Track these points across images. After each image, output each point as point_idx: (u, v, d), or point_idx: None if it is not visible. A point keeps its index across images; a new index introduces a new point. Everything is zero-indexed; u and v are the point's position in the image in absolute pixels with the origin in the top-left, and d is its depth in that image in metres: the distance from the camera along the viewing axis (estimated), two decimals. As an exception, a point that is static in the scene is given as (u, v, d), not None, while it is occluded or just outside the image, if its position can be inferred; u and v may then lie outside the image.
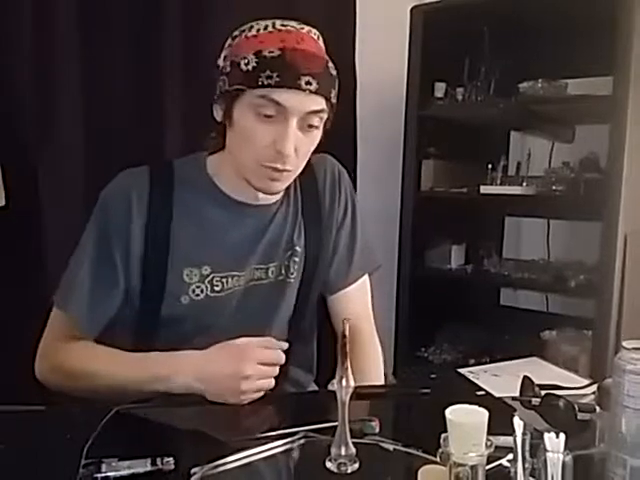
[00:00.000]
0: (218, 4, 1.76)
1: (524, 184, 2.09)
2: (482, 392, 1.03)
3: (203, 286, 1.03)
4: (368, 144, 2.22)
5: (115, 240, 1.00)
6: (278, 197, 1.09)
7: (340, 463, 0.71)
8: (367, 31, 2.14)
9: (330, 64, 0.96)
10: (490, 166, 2.17)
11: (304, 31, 0.95)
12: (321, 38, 0.98)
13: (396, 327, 2.24)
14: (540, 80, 1.97)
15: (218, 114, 1.00)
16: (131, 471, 0.69)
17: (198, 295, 1.03)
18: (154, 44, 1.68)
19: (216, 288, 1.04)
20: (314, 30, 0.97)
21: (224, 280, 1.04)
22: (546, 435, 0.57)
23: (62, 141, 1.58)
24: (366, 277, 1.23)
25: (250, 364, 0.90)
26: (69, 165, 1.59)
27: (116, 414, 0.82)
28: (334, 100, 0.97)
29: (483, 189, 2.11)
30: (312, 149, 1.01)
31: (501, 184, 2.15)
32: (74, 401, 0.97)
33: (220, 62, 0.99)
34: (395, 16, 2.16)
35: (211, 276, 1.03)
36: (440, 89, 2.18)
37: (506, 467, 0.65)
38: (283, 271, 1.10)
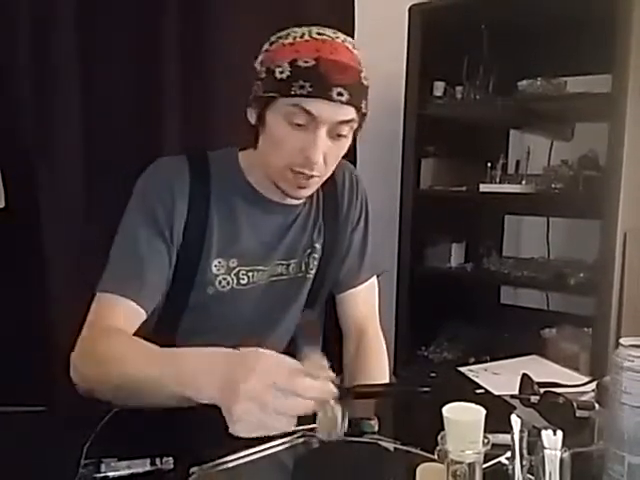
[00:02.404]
0: (219, 4, 1.76)
1: (523, 182, 2.09)
2: (482, 390, 1.03)
3: (229, 278, 1.05)
4: (367, 143, 2.21)
5: (162, 221, 1.00)
6: (303, 199, 1.10)
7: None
8: (365, 30, 2.14)
9: (363, 74, 0.96)
10: (489, 164, 2.17)
11: (339, 40, 0.95)
12: (356, 48, 0.98)
13: (396, 326, 2.24)
14: (539, 78, 1.97)
15: (252, 117, 1.01)
16: (130, 471, 0.69)
17: (224, 287, 1.04)
18: (154, 45, 1.68)
19: (242, 281, 1.06)
20: (349, 39, 0.97)
21: (250, 274, 1.06)
22: (544, 432, 0.57)
23: (61, 142, 1.58)
24: (374, 279, 1.25)
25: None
26: (68, 166, 1.59)
27: (115, 414, 0.83)
28: (365, 110, 0.97)
29: (482, 187, 2.11)
30: (340, 156, 1.02)
31: (500, 182, 2.15)
32: (77, 401, 0.97)
33: (257, 66, 1.00)
34: (393, 15, 2.16)
35: (237, 269, 1.05)
36: (439, 88, 2.18)
37: (504, 464, 0.65)
38: (303, 268, 1.13)
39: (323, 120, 0.93)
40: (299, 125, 0.94)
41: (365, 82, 0.97)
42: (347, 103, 0.92)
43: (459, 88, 2.16)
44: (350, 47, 0.96)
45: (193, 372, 0.74)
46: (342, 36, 0.97)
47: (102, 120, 1.64)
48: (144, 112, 1.69)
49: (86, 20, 1.58)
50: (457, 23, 1.97)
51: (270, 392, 0.67)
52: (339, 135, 0.96)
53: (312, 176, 0.98)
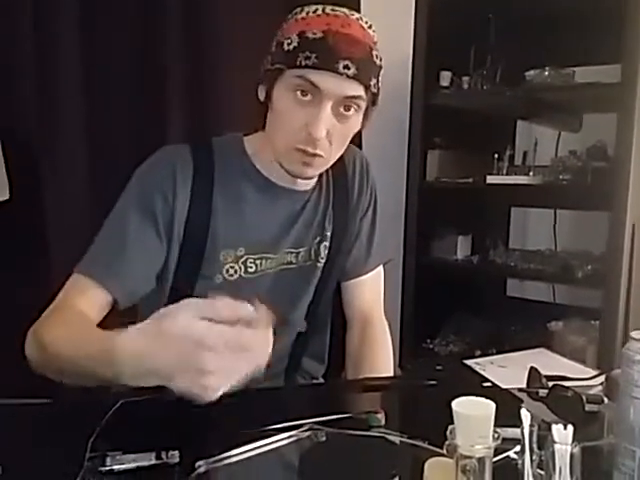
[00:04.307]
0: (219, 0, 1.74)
1: (531, 174, 2.07)
2: (488, 383, 1.02)
3: (237, 266, 1.03)
4: (373, 134, 2.20)
5: (159, 214, 0.97)
6: (312, 184, 1.09)
7: None
8: (372, 19, 2.11)
9: (375, 52, 0.94)
10: (496, 156, 2.15)
11: (353, 17, 0.94)
12: (372, 28, 0.96)
13: (402, 318, 2.24)
14: (547, 68, 1.95)
15: (261, 94, 1.00)
16: (136, 464, 0.69)
17: (232, 275, 1.03)
18: (154, 43, 1.68)
19: (250, 269, 1.04)
20: (365, 18, 0.96)
21: (258, 262, 1.05)
22: (554, 427, 0.57)
23: (65, 135, 1.58)
24: (381, 268, 1.24)
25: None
26: (72, 158, 1.59)
27: (121, 407, 0.82)
28: (375, 90, 0.95)
29: (489, 179, 2.10)
30: (348, 138, 1.00)
31: (507, 174, 2.13)
32: (82, 394, 0.97)
33: (273, 42, 0.99)
34: (400, 4, 2.14)
35: (245, 257, 1.04)
36: (446, 78, 2.17)
37: (514, 459, 0.64)
38: (312, 256, 1.11)
39: (328, 94, 0.91)
40: (304, 97, 0.92)
41: (377, 60, 0.95)
42: (354, 77, 0.90)
43: (466, 78, 2.14)
44: (365, 26, 0.95)
45: (132, 373, 0.69)
46: (358, 15, 0.95)
47: (105, 114, 1.63)
48: (146, 107, 1.68)
49: (87, 18, 1.58)
50: (464, 12, 1.96)
51: (207, 328, 0.66)
52: (346, 111, 0.94)
53: (316, 154, 0.95)
